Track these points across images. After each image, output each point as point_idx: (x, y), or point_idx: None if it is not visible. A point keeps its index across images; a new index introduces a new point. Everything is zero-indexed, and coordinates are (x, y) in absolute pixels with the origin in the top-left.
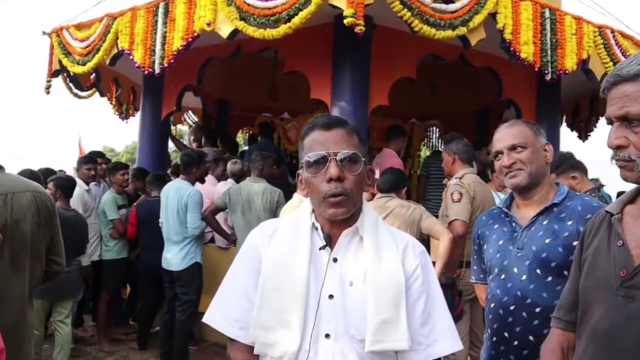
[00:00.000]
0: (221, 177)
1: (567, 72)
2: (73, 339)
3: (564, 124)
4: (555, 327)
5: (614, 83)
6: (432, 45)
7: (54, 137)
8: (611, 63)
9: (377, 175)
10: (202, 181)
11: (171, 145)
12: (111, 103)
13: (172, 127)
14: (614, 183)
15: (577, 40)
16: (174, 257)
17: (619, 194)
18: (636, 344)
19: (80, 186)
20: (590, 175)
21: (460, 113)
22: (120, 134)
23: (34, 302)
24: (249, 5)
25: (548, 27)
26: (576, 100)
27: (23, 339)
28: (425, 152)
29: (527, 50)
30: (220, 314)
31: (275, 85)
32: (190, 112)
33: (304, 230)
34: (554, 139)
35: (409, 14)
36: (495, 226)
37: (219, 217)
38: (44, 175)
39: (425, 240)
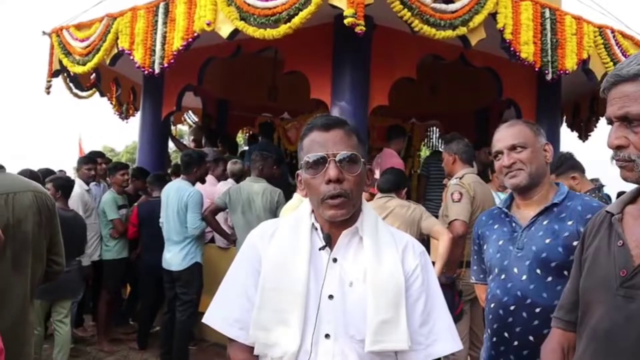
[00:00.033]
0: (221, 177)
1: (567, 72)
2: (73, 338)
3: (564, 124)
4: (556, 327)
5: (614, 83)
6: (432, 45)
7: (54, 137)
8: (611, 63)
9: (377, 175)
10: (203, 181)
11: (171, 145)
12: (111, 103)
13: (172, 127)
14: (614, 183)
15: (578, 40)
16: (174, 257)
17: (619, 194)
18: (636, 344)
19: (80, 186)
20: (591, 176)
21: (460, 113)
22: (120, 134)
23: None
24: (249, 5)
25: (548, 27)
26: (576, 100)
27: (24, 339)
28: (425, 152)
29: (527, 50)
30: (220, 314)
31: (275, 85)
32: (190, 112)
33: (303, 231)
34: (554, 139)
35: (409, 14)
36: (495, 226)
37: (219, 217)
38: (43, 175)
39: (425, 240)
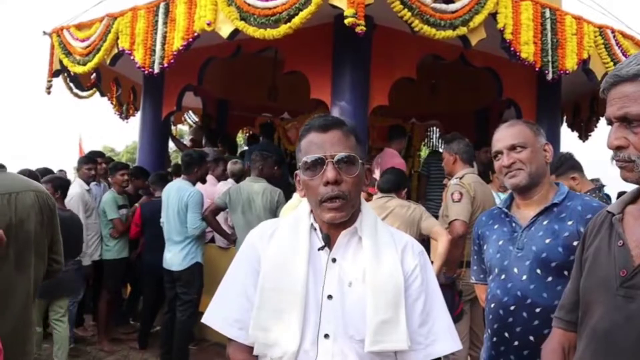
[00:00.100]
0: (221, 177)
1: (567, 72)
2: (73, 338)
3: (565, 124)
4: (557, 327)
5: (614, 83)
6: (432, 45)
7: (54, 137)
8: (612, 63)
9: (377, 175)
10: (204, 181)
11: (171, 145)
12: (111, 103)
13: (173, 127)
14: (614, 183)
15: (578, 40)
16: (175, 257)
17: (620, 194)
18: (636, 344)
19: (80, 186)
20: (591, 176)
21: (461, 113)
22: (120, 134)
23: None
24: (249, 5)
25: (548, 27)
26: (576, 100)
27: (26, 338)
28: (425, 152)
29: (527, 50)
30: (220, 314)
31: (275, 85)
32: (190, 112)
33: (302, 231)
34: (554, 139)
35: (409, 14)
36: (495, 226)
37: (219, 217)
38: (41, 175)
39: (425, 240)
